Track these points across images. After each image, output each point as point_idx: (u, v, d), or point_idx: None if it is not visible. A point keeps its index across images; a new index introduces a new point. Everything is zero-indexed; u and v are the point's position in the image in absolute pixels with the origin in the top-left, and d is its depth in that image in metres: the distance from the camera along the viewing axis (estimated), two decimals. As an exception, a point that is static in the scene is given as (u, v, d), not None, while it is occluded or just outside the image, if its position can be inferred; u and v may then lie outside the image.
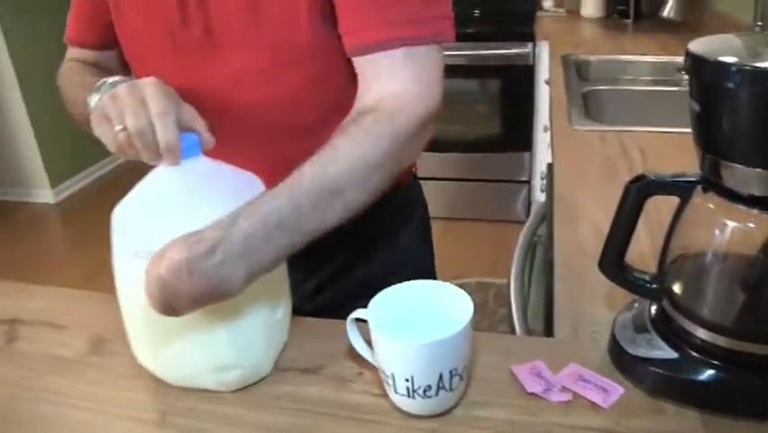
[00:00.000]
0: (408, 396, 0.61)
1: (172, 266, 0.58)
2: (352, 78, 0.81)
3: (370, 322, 0.62)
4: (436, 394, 0.61)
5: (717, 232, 0.62)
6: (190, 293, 0.59)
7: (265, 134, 0.85)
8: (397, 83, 0.74)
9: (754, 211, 0.59)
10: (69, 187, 3.89)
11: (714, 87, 0.55)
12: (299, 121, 0.85)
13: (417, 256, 1.05)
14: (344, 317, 0.68)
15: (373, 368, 0.69)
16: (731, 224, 0.60)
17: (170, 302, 0.59)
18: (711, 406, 0.62)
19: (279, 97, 0.83)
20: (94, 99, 0.76)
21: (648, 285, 0.68)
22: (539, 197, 3.06)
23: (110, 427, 0.66)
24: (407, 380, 0.60)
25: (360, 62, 0.77)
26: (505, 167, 3.08)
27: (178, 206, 0.65)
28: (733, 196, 0.59)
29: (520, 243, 1.25)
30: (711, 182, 0.61)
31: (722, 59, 0.53)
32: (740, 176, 0.57)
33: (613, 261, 0.68)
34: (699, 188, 0.62)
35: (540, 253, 1.41)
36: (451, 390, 0.61)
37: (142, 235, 0.63)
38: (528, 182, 3.10)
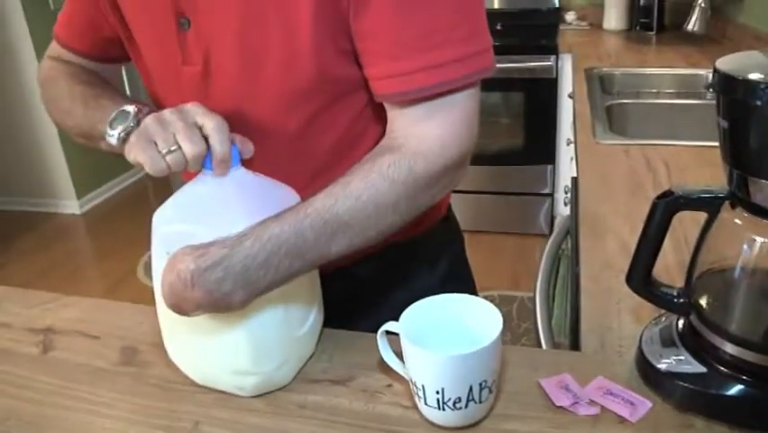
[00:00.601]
0: (438, 408, 0.62)
1: (179, 274, 0.63)
2: (363, 113, 0.80)
3: (401, 334, 0.63)
4: (466, 406, 0.61)
5: (744, 247, 0.62)
6: (194, 301, 0.64)
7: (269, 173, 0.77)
8: (428, 128, 0.72)
9: (783, 227, 0.59)
10: (94, 198, 3.96)
11: (742, 105, 0.55)
12: (304, 164, 0.82)
13: None
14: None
15: (402, 380, 0.70)
16: (759, 239, 0.61)
17: (179, 305, 0.65)
18: (740, 422, 0.62)
19: (282, 139, 0.80)
20: (117, 130, 0.72)
21: (675, 300, 0.68)
22: (562, 210, 3.06)
23: (144, 435, 0.68)
24: (438, 392, 0.60)
25: (388, 107, 0.75)
26: (527, 180, 3.08)
27: (214, 212, 0.68)
28: (761, 211, 0.60)
29: (545, 256, 1.25)
30: (739, 198, 0.61)
31: (751, 77, 0.54)
32: (768, 192, 0.57)
33: (640, 276, 0.69)
34: (726, 203, 0.63)
35: (563, 267, 1.41)
36: (480, 402, 0.62)
37: (175, 237, 0.66)
38: (551, 195, 3.09)
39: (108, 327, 0.87)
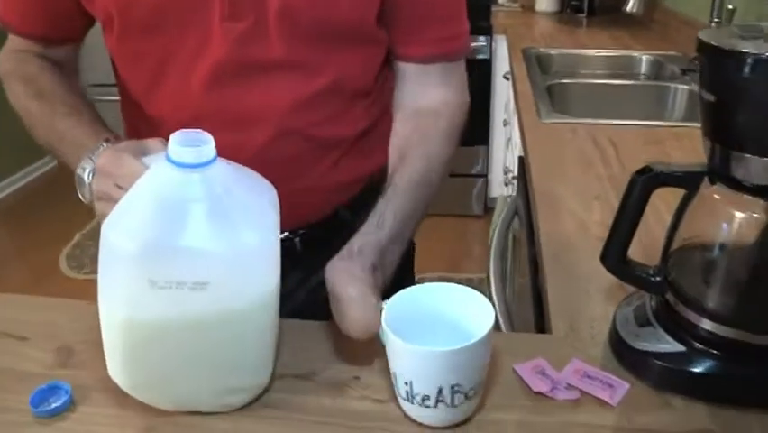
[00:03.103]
0: (408, 400, 0.58)
1: (366, 280, 0.64)
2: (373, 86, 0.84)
3: (383, 319, 0.59)
4: (435, 406, 0.57)
5: (723, 223, 0.61)
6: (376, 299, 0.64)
7: (279, 149, 0.79)
8: (447, 91, 0.84)
9: (761, 201, 0.58)
10: (7, 186, 3.71)
11: (730, 77, 0.54)
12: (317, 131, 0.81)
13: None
14: None
15: (370, 372, 0.66)
16: (739, 214, 0.60)
17: (374, 322, 0.61)
18: (718, 398, 0.61)
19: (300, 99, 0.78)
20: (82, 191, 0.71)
21: (652, 279, 0.66)
22: (497, 191, 3.07)
23: (90, 447, 0.61)
24: (406, 384, 0.57)
25: (412, 68, 0.83)
26: (460, 161, 3.08)
27: (202, 225, 0.56)
28: (741, 186, 0.58)
29: (495, 238, 1.23)
30: (719, 173, 0.60)
31: (740, 48, 0.52)
32: (752, 167, 0.56)
33: (616, 255, 0.67)
34: (705, 179, 0.61)
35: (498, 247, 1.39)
36: (453, 406, 0.57)
37: (161, 263, 0.55)
38: (485, 177, 3.10)
39: (37, 327, 0.78)
